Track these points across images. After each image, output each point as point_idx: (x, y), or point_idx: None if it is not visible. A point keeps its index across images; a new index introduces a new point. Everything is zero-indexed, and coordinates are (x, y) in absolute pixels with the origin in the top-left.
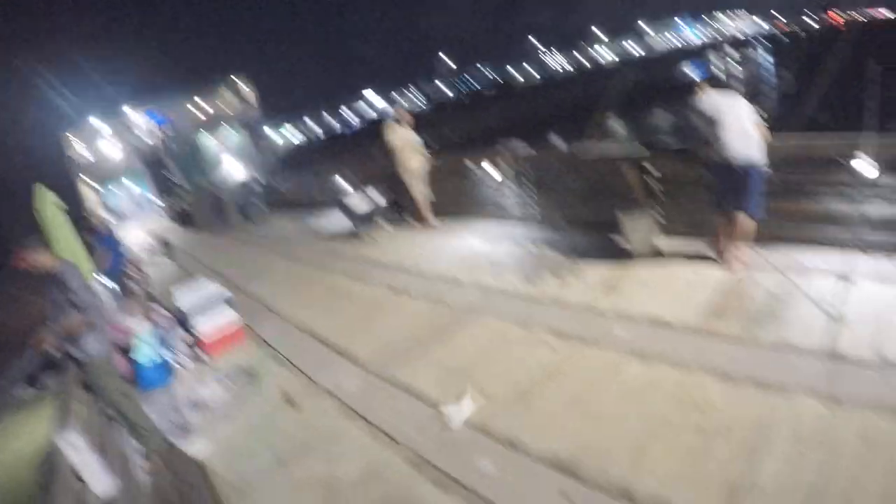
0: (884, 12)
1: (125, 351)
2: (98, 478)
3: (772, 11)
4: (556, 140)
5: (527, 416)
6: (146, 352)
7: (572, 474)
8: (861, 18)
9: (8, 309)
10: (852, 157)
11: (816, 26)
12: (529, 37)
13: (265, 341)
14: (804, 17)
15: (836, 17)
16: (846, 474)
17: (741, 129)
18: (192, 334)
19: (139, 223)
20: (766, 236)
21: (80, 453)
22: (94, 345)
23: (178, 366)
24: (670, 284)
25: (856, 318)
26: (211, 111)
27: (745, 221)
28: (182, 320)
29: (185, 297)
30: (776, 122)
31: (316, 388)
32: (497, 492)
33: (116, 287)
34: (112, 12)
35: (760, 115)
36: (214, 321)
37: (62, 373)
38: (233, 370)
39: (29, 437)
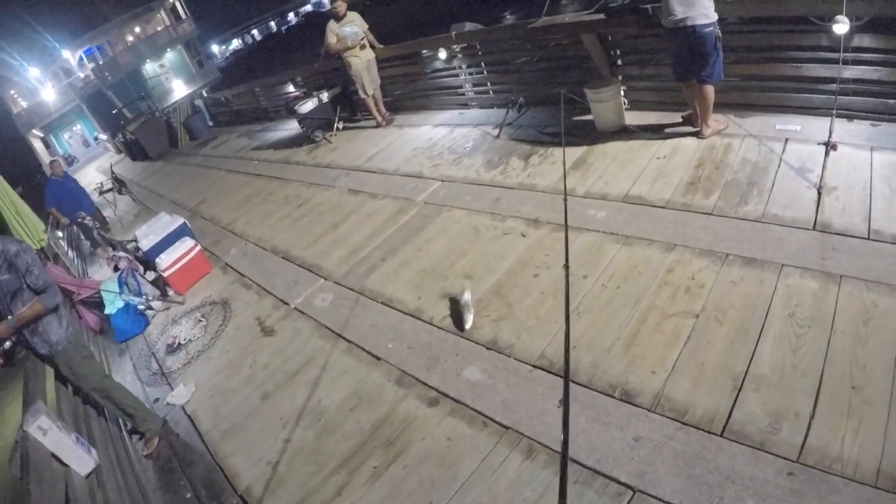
0: None
1: (95, 305)
2: (78, 456)
3: None
4: (509, 18)
5: (508, 315)
6: (116, 302)
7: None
8: None
9: None
10: (825, 14)
11: None
12: None
13: (231, 267)
14: None
15: None
16: (846, 355)
17: None
18: (158, 273)
19: (91, 163)
20: (741, 103)
21: (52, 436)
22: (58, 331)
23: (149, 310)
24: (643, 160)
25: (840, 185)
26: (147, 34)
27: (704, 88)
28: (146, 260)
29: (146, 235)
30: None
31: (289, 310)
32: (486, 401)
33: (82, 236)
34: None
35: None
36: (177, 255)
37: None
38: (203, 304)
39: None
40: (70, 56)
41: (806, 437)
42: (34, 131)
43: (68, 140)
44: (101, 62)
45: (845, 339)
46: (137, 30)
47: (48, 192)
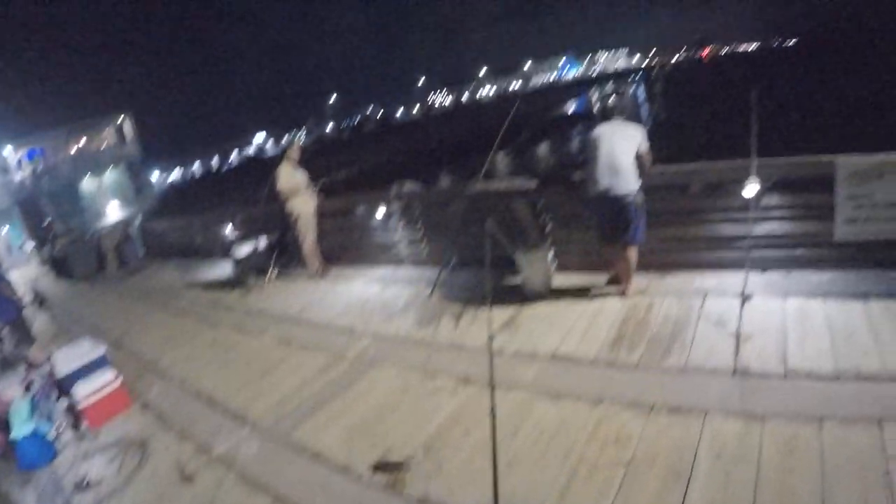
0: (751, 46)
1: (2, 425)
2: None
3: (652, 49)
4: (446, 179)
5: (438, 471)
6: (24, 426)
7: None
8: (726, 51)
9: None
10: (735, 180)
11: (689, 60)
12: (419, 78)
13: (150, 405)
14: (680, 52)
15: (707, 51)
16: (774, 485)
17: (610, 162)
18: (72, 401)
19: (11, 271)
20: (662, 263)
21: None
22: None
23: (59, 439)
24: (570, 319)
25: (756, 332)
26: (91, 149)
27: (629, 251)
28: (61, 386)
29: (64, 359)
30: (659, 150)
31: (210, 457)
32: None
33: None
34: None
35: (647, 142)
36: (96, 385)
37: None
38: (119, 441)
39: None
40: (11, 153)
41: None
42: None
43: None
44: (40, 167)
45: (772, 470)
46: (83, 142)
47: None
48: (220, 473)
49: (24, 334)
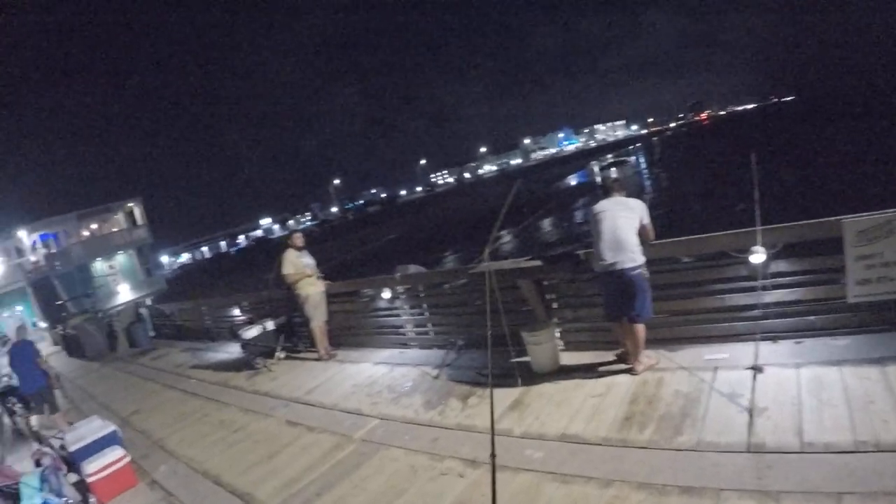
0: (749, 105)
1: (11, 497)
2: None
3: (649, 118)
4: (450, 260)
5: None
6: (34, 499)
7: None
8: (723, 113)
9: None
10: (740, 248)
11: (685, 126)
12: (419, 160)
13: (159, 484)
14: (677, 118)
15: (703, 115)
16: None
17: (612, 237)
18: (81, 476)
19: None
20: (671, 337)
21: None
22: None
23: None
24: (579, 398)
25: (770, 405)
26: (102, 233)
27: (635, 326)
28: (71, 461)
29: (75, 436)
30: (661, 221)
31: None
32: None
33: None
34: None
35: (648, 216)
36: (104, 462)
37: None
38: None
39: None
40: (25, 237)
41: None
42: None
43: (6, 319)
44: (53, 250)
45: None
46: (94, 226)
47: (10, 354)
48: None
49: (51, 403)
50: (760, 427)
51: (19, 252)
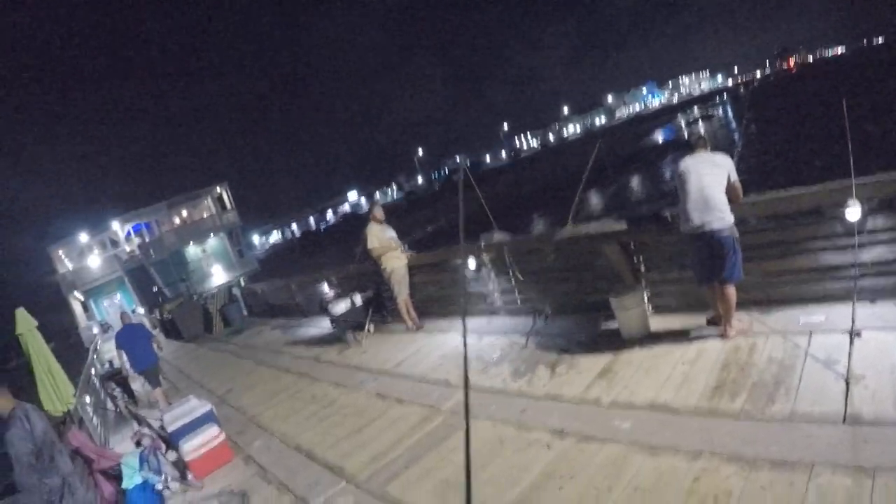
0: (839, 50)
1: (114, 477)
2: None
3: (734, 67)
4: (536, 224)
5: None
6: (134, 478)
7: None
8: (811, 59)
9: None
10: (835, 203)
11: (773, 74)
12: (502, 124)
13: (253, 459)
14: (764, 67)
15: (790, 62)
16: None
17: (699, 197)
18: (179, 455)
19: None
20: (764, 299)
21: None
22: None
23: (166, 490)
24: (668, 365)
25: (868, 373)
26: (193, 219)
27: (726, 289)
28: (168, 440)
29: (172, 416)
30: (751, 176)
31: None
32: None
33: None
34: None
35: (736, 172)
36: (201, 440)
37: None
38: (222, 493)
39: None
40: (119, 228)
41: None
42: (76, 293)
43: (107, 308)
44: (147, 239)
45: None
46: (185, 213)
47: (117, 338)
48: None
49: (156, 380)
50: (857, 397)
51: (114, 243)
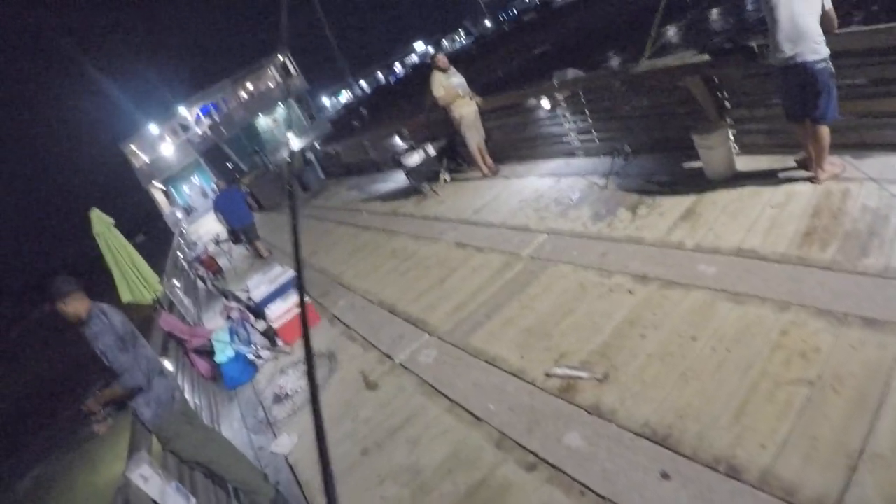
0: None
1: (207, 353)
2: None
3: None
4: (613, 61)
5: (613, 378)
6: (226, 351)
7: (667, 445)
8: None
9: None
10: None
11: None
12: None
13: (338, 319)
14: None
15: None
16: None
17: (790, 25)
18: (267, 323)
19: (209, 213)
20: (860, 142)
21: (153, 484)
22: (144, 410)
23: (258, 359)
24: (755, 209)
25: None
26: (259, 91)
27: (818, 129)
28: (256, 310)
29: (257, 286)
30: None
31: (392, 365)
32: (586, 469)
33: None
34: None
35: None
36: (286, 306)
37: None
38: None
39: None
40: (187, 113)
41: None
42: (155, 183)
43: (188, 191)
44: (216, 118)
45: None
46: (250, 87)
47: (216, 202)
48: (402, 380)
49: (254, 234)
50: None
51: (184, 128)
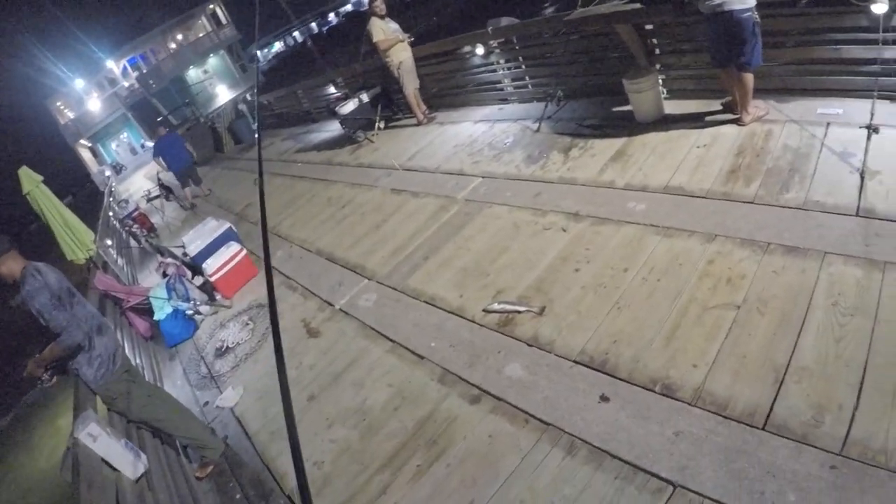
0: None
1: (145, 312)
2: (128, 461)
3: None
4: (547, 9)
5: (549, 310)
6: (164, 308)
7: (605, 370)
8: None
9: None
10: None
11: None
12: None
13: (277, 269)
14: None
15: None
16: (890, 342)
17: None
18: (205, 278)
19: (139, 170)
20: (780, 87)
21: (102, 443)
22: (86, 370)
23: (197, 314)
24: (683, 149)
25: (884, 169)
26: (189, 42)
27: (743, 74)
28: (193, 265)
29: (193, 241)
30: None
31: (333, 311)
32: (528, 398)
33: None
34: None
35: None
36: (223, 259)
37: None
38: (250, 307)
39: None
40: (114, 66)
41: (849, 430)
42: (82, 141)
43: (116, 148)
44: (144, 71)
45: (890, 327)
46: (179, 37)
47: (155, 147)
48: (343, 325)
49: (195, 177)
50: (871, 191)
51: (112, 82)
